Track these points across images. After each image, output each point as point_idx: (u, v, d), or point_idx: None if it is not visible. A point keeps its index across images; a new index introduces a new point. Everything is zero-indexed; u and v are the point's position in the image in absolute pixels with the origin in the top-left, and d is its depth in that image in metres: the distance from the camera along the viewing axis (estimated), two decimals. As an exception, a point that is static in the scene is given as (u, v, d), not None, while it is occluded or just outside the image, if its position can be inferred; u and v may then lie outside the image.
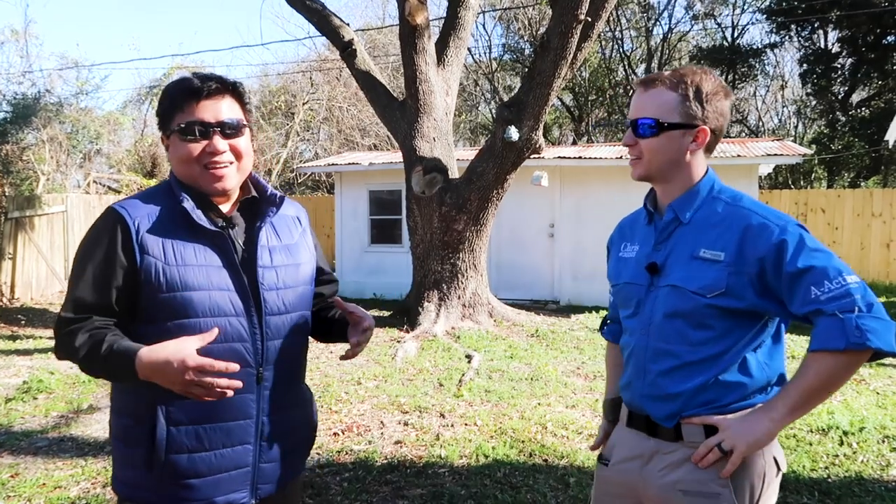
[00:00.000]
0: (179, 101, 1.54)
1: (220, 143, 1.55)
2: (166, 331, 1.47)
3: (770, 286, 1.47)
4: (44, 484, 3.82)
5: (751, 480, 1.51)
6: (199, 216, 1.55)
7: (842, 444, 4.32)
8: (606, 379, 1.94)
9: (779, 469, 1.57)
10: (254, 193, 1.68)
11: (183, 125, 1.53)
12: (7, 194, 10.83)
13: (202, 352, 1.42)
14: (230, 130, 1.56)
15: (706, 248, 1.53)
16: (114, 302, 1.50)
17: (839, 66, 19.77)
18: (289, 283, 1.65)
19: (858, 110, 19.79)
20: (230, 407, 1.54)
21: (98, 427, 4.83)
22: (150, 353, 1.41)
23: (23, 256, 11.06)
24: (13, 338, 8.39)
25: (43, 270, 11.54)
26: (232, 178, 1.59)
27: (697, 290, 1.51)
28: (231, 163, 1.57)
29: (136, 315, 1.52)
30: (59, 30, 43.37)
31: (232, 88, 1.59)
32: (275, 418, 1.62)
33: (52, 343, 6.88)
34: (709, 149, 1.62)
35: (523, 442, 4.36)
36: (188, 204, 1.54)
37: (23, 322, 9.42)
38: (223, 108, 1.56)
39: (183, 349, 1.39)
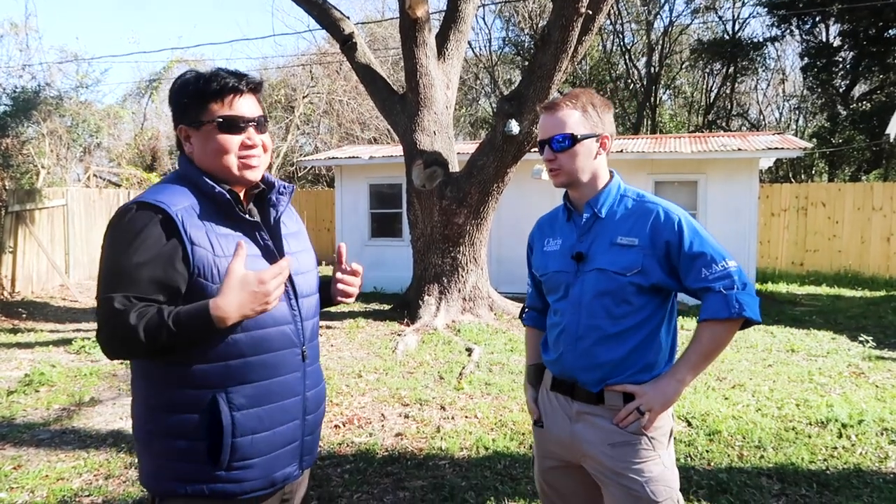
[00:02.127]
0: (218, 94, 1.58)
1: (255, 137, 1.63)
2: None
3: (673, 264, 1.82)
4: (46, 476, 3.84)
5: (663, 422, 1.86)
6: (240, 208, 1.61)
7: (840, 436, 4.33)
8: (527, 354, 2.25)
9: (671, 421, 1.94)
10: (262, 185, 1.73)
11: (223, 119, 1.58)
12: (7, 188, 10.82)
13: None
14: (261, 126, 1.65)
15: (622, 235, 1.85)
16: (169, 296, 1.49)
17: (840, 59, 19.73)
18: (308, 267, 1.78)
19: (859, 104, 19.76)
20: (285, 386, 1.63)
21: (100, 420, 4.85)
22: (221, 293, 1.45)
23: (23, 250, 11.06)
24: (14, 331, 8.41)
25: (44, 264, 11.54)
26: (260, 170, 1.66)
27: (619, 271, 1.83)
28: (260, 156, 1.65)
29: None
30: (59, 23, 43.26)
31: (260, 87, 1.68)
32: (311, 393, 1.73)
33: (53, 336, 6.88)
34: (607, 153, 1.96)
35: (523, 434, 4.38)
36: (230, 196, 1.59)
37: (24, 315, 9.43)
38: (255, 106, 1.65)
39: (246, 272, 1.47)
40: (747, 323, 1.78)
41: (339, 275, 1.88)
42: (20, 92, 12.49)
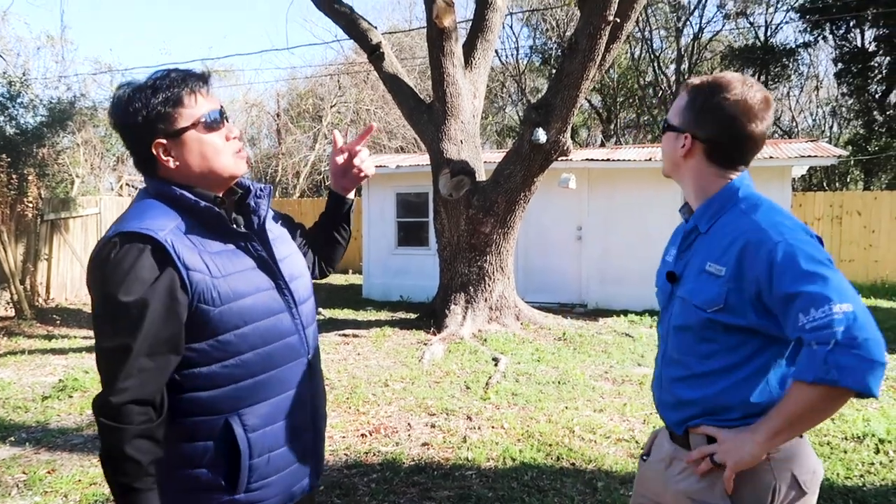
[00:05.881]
0: (184, 96, 1.46)
1: (233, 128, 1.54)
2: (224, 343, 1.46)
3: (767, 306, 1.42)
4: (79, 480, 3.90)
5: (755, 496, 1.48)
6: (227, 221, 1.51)
7: (878, 451, 4.22)
8: None
9: (803, 491, 1.51)
10: (239, 190, 1.63)
11: (207, 117, 1.48)
12: (43, 197, 11.08)
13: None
14: (227, 117, 1.56)
15: (712, 261, 1.51)
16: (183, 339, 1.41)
17: (876, 64, 19.32)
18: (301, 271, 1.68)
19: (896, 110, 19.33)
20: (295, 399, 1.57)
21: (131, 425, 4.91)
22: None
23: (58, 258, 11.31)
24: (49, 337, 8.58)
25: (77, 271, 11.78)
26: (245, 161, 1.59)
27: (699, 304, 1.51)
28: (244, 146, 1.57)
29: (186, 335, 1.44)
30: (93, 36, 44.31)
31: (210, 78, 1.56)
32: (318, 402, 1.68)
33: (86, 343, 6.94)
34: (714, 160, 1.58)
35: (551, 445, 4.34)
36: (219, 209, 1.49)
37: (58, 322, 9.63)
38: (213, 97, 1.54)
39: None
40: (861, 394, 1.31)
41: (350, 156, 1.80)
42: (56, 103, 12.79)
